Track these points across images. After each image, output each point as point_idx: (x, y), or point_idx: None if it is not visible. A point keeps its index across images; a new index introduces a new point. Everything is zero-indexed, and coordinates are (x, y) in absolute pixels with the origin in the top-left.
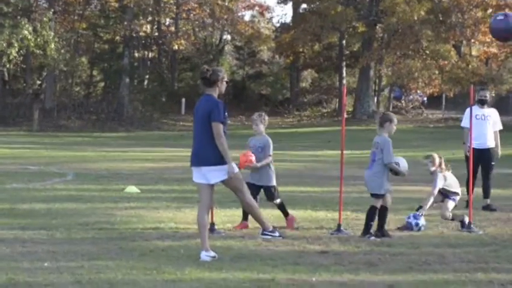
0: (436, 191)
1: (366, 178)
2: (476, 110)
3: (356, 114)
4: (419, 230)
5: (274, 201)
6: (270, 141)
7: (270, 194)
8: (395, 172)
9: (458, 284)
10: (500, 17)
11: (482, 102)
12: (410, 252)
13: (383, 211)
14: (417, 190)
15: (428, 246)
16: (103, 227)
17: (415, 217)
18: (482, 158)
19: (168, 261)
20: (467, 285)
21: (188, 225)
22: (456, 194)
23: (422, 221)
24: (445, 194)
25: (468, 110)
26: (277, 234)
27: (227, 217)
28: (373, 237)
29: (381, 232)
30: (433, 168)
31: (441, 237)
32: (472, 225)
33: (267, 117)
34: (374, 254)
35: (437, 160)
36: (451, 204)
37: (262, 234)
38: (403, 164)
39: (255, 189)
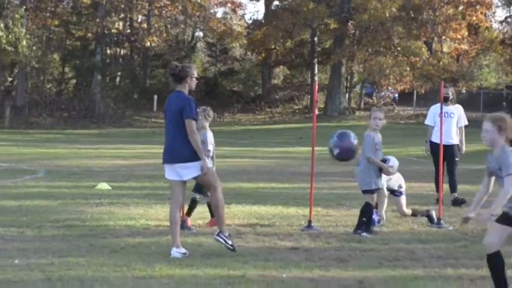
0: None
1: (358, 176)
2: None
3: (327, 111)
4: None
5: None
6: (209, 135)
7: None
8: (379, 168)
9: (428, 279)
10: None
11: (445, 100)
12: (381, 248)
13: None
14: None
15: (399, 242)
16: (74, 224)
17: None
18: (446, 155)
19: (139, 258)
20: (437, 280)
21: (159, 222)
22: (400, 187)
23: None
24: (392, 192)
25: (432, 107)
26: (230, 242)
27: (198, 214)
28: (364, 234)
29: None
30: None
31: (411, 233)
32: (441, 221)
33: (211, 113)
34: (344, 250)
35: None
36: (402, 199)
37: (218, 235)
38: (392, 163)
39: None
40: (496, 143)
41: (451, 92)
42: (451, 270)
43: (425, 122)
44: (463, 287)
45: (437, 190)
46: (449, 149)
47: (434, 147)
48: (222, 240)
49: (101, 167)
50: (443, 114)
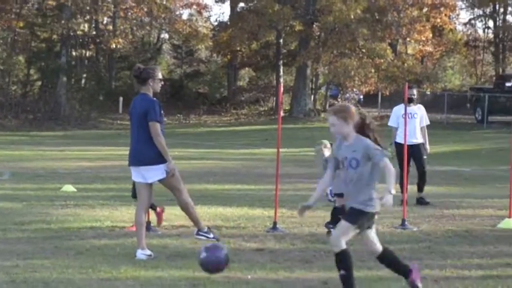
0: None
1: None
2: (404, 108)
3: (293, 113)
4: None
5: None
6: None
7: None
8: None
9: (392, 280)
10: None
11: (410, 101)
12: None
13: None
14: None
15: (363, 243)
16: (39, 226)
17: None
18: (413, 154)
19: (104, 259)
20: (401, 281)
21: (125, 224)
22: None
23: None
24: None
25: (395, 108)
26: (211, 235)
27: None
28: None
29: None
30: (327, 154)
31: (376, 234)
32: (406, 222)
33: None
34: (309, 251)
35: (329, 146)
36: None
37: (197, 234)
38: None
39: None
40: (347, 134)
41: (415, 92)
42: None
43: (389, 124)
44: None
45: (402, 191)
46: (415, 148)
47: (399, 147)
48: (203, 237)
49: (66, 169)
50: (407, 114)
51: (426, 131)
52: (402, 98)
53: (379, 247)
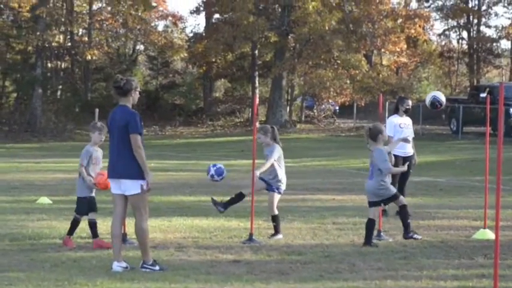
0: (270, 163)
1: (369, 188)
2: (399, 119)
3: (268, 124)
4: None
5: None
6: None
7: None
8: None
9: None
10: None
11: (407, 112)
12: (321, 261)
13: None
14: (329, 199)
15: (339, 254)
16: (14, 239)
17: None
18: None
19: (80, 272)
20: None
21: (100, 236)
22: (280, 182)
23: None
24: (268, 183)
25: (390, 118)
26: (157, 267)
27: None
28: (416, 235)
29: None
30: (267, 140)
31: (352, 245)
32: (381, 233)
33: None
34: (285, 262)
35: (270, 130)
36: (276, 197)
37: (142, 267)
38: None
39: None
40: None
41: (410, 103)
42: (391, 282)
43: (387, 134)
44: None
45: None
46: (409, 160)
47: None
48: (148, 270)
49: (42, 181)
50: (403, 125)
51: (412, 142)
52: (394, 108)
53: None
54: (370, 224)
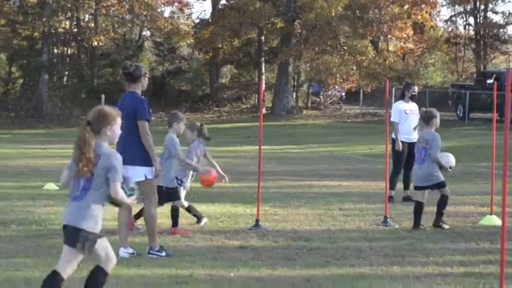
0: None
1: (420, 173)
2: (404, 105)
3: (275, 110)
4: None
5: None
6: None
7: None
8: (439, 166)
9: (375, 277)
10: None
11: (413, 98)
12: (328, 247)
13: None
14: (336, 185)
15: (346, 240)
16: (21, 225)
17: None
18: (409, 152)
19: (87, 258)
20: (384, 278)
21: (107, 222)
22: (181, 181)
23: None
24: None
25: (396, 104)
26: (164, 253)
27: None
28: (445, 225)
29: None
30: (193, 137)
31: (358, 231)
32: (388, 219)
33: None
34: (292, 248)
35: (197, 127)
36: (182, 193)
37: (149, 252)
38: (448, 160)
39: None
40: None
41: (416, 89)
42: (398, 268)
43: (391, 119)
44: (409, 285)
45: (392, 187)
46: (412, 147)
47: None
48: (155, 256)
49: (49, 167)
50: (409, 111)
51: (418, 129)
52: (400, 94)
53: None
54: (419, 207)
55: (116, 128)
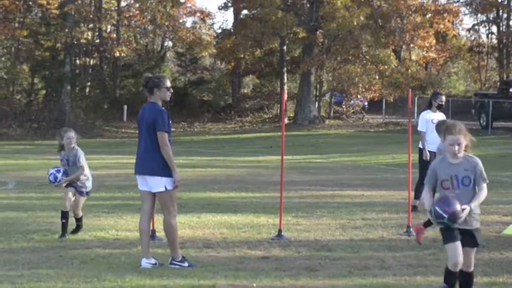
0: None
1: None
2: (432, 114)
3: (297, 120)
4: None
5: None
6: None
7: None
8: None
9: (398, 287)
10: None
11: (440, 107)
12: (350, 257)
13: None
14: (359, 195)
15: (368, 250)
16: (44, 236)
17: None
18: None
19: (109, 268)
20: None
21: (129, 233)
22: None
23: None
24: (76, 187)
25: (423, 113)
26: (186, 264)
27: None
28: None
29: None
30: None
31: (381, 241)
32: (411, 229)
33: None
34: (314, 259)
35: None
36: (82, 200)
37: (171, 263)
38: None
39: None
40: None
41: (443, 99)
42: (421, 278)
43: (418, 129)
44: None
45: (417, 197)
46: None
47: (425, 153)
48: (177, 266)
49: None
50: (436, 121)
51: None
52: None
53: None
54: None
55: None
